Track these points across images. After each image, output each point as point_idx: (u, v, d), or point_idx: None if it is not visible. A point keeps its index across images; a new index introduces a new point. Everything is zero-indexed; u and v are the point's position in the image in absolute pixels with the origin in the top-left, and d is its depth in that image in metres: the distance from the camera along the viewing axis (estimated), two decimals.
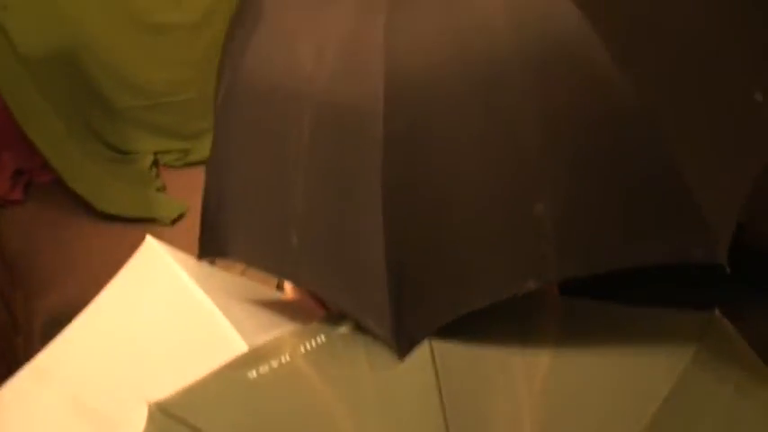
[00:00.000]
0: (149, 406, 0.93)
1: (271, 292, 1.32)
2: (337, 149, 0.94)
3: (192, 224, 2.74)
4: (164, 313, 1.17)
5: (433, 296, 0.91)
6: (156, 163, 3.03)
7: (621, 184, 0.86)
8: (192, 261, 1.25)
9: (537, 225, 0.86)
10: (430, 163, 0.90)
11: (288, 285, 1.30)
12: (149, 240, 1.31)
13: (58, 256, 2.67)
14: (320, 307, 1.19)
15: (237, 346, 1.02)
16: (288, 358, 0.96)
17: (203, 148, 3.05)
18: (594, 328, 0.98)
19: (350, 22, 0.97)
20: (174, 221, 2.78)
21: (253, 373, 0.95)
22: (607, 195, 0.86)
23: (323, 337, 0.99)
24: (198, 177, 3.01)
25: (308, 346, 0.98)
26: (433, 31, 0.93)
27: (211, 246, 1.14)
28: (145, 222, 2.76)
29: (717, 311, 0.96)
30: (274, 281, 1.36)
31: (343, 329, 0.99)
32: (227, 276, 1.29)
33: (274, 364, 0.96)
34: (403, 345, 0.91)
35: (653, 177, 0.86)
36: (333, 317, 1.02)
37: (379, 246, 0.90)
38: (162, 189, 2.92)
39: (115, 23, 2.79)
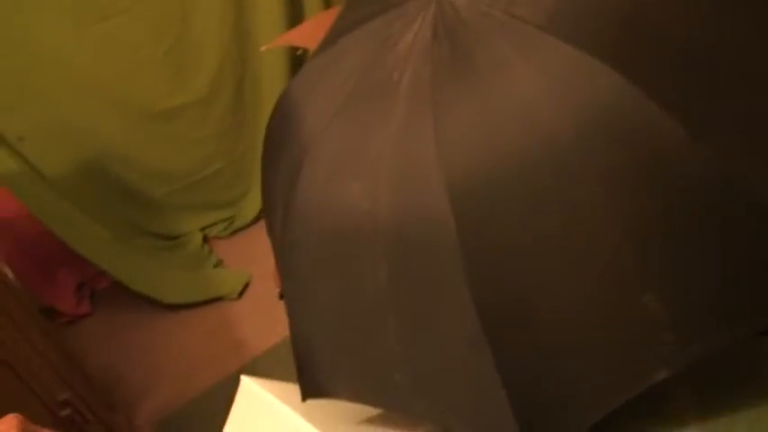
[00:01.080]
0: None
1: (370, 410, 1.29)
2: (418, 281, 0.91)
3: (259, 292, 2.75)
4: None
5: (561, 407, 0.87)
6: (205, 239, 3.02)
7: (725, 251, 0.81)
8: (290, 388, 1.22)
9: (650, 315, 0.81)
10: (515, 270, 0.86)
11: None
12: (245, 382, 1.28)
13: (141, 360, 2.67)
14: None
15: None
16: None
17: (246, 212, 3.04)
18: None
19: (396, 145, 0.93)
20: (242, 293, 2.77)
21: None
22: (713, 265, 0.81)
23: None
24: (249, 241, 3.01)
25: None
26: (482, 135, 0.89)
27: (311, 388, 1.11)
28: (214, 302, 2.77)
29: None
30: None
31: None
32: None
33: None
34: None
35: (753, 236, 0.81)
36: None
37: (487, 368, 0.86)
38: (219, 264, 2.91)
39: (127, 121, 2.77)
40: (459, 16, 0.95)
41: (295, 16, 2.81)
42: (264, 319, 2.64)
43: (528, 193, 0.85)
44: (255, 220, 3.07)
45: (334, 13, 2.47)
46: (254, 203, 3.05)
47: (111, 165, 2.84)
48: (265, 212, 1.24)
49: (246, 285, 2.80)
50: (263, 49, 2.39)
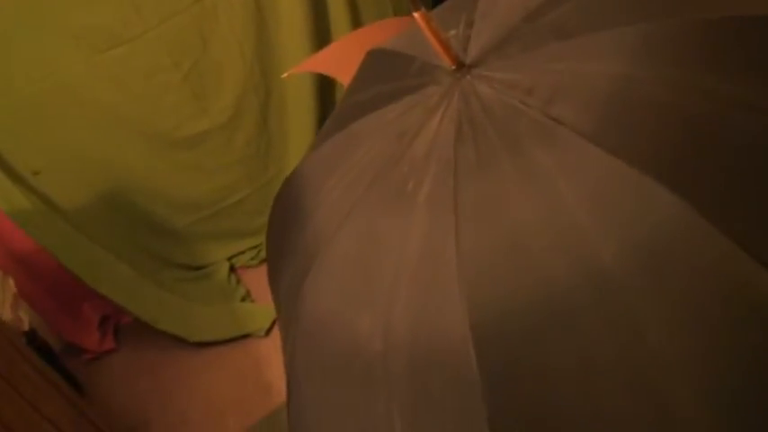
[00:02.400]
0: None
1: None
2: (438, 418, 0.74)
3: None
4: None
5: None
6: (233, 269, 2.89)
7: None
8: None
9: None
10: (539, 404, 0.69)
11: None
12: None
13: (167, 403, 2.56)
14: None
15: None
16: None
17: None
18: None
19: (413, 270, 0.77)
20: (269, 331, 2.63)
21: None
22: None
23: None
24: None
25: None
26: (508, 253, 0.71)
27: None
28: (242, 339, 2.64)
29: None
30: None
31: None
32: None
33: None
34: None
35: None
36: None
37: None
38: (247, 296, 2.76)
39: (147, 150, 2.62)
40: (487, 112, 0.77)
41: (321, 34, 2.64)
42: None
43: (553, 319, 0.68)
44: None
45: (361, 35, 2.31)
46: None
47: (132, 196, 2.70)
48: (275, 302, 1.08)
49: (274, 322, 2.67)
50: (284, 76, 2.23)
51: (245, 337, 2.62)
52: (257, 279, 2.88)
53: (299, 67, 2.21)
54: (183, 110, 2.59)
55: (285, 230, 0.98)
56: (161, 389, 2.63)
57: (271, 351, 2.60)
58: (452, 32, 0.90)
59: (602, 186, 0.68)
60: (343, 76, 2.13)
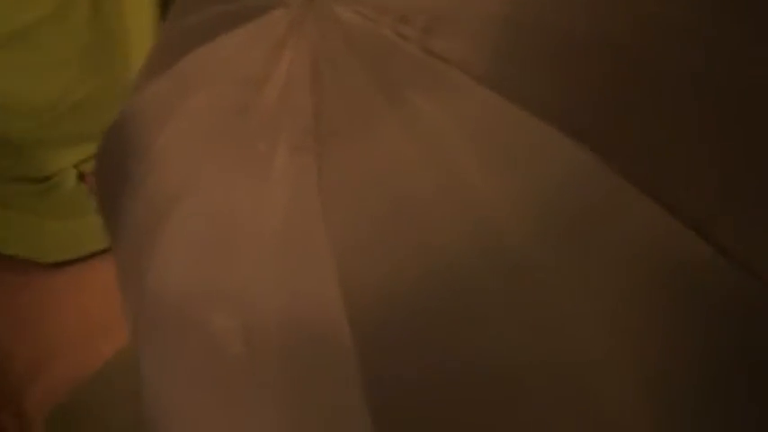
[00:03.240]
0: None
1: None
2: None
3: None
4: None
5: None
6: (82, 177, 2.63)
7: None
8: None
9: None
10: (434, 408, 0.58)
11: None
12: None
13: (28, 332, 2.37)
14: None
15: None
16: None
17: None
18: None
19: (272, 241, 0.62)
20: None
21: None
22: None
23: None
24: None
25: None
26: (390, 228, 0.57)
27: None
28: (105, 254, 2.44)
29: None
30: None
31: None
32: None
33: None
34: None
35: None
36: None
37: None
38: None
39: None
40: (352, 47, 0.60)
41: None
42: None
43: (465, 317, 0.56)
44: None
45: None
46: None
47: None
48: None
49: None
50: None
51: (107, 251, 2.43)
52: None
53: None
54: (2, 3, 2.25)
55: (114, 196, 0.79)
56: (21, 317, 2.43)
57: None
58: None
59: (501, 141, 0.54)
60: None
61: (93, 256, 2.44)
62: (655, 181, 0.51)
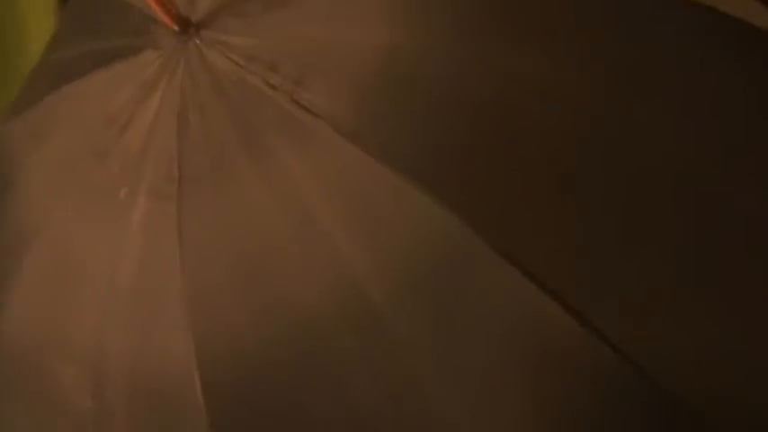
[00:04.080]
0: None
1: None
2: None
3: None
4: None
5: None
6: None
7: None
8: None
9: None
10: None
11: None
12: None
13: None
14: None
15: None
16: None
17: None
18: None
19: (125, 292, 0.59)
20: None
21: None
22: None
23: None
24: None
25: None
26: (246, 283, 0.56)
27: None
28: None
29: None
30: None
31: None
32: None
33: None
34: None
35: None
36: None
37: None
38: None
39: None
40: (220, 94, 0.59)
41: None
42: None
43: (318, 373, 0.55)
44: None
45: None
46: None
47: None
48: None
49: None
50: None
51: None
52: None
53: None
54: None
55: None
56: None
57: None
58: None
59: (362, 198, 0.54)
60: None
61: None
62: (511, 243, 0.51)
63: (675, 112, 0.56)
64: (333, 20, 0.59)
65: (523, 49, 0.57)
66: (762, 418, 0.51)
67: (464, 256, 0.51)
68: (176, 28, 0.62)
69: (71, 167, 0.63)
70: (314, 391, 0.53)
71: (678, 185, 0.54)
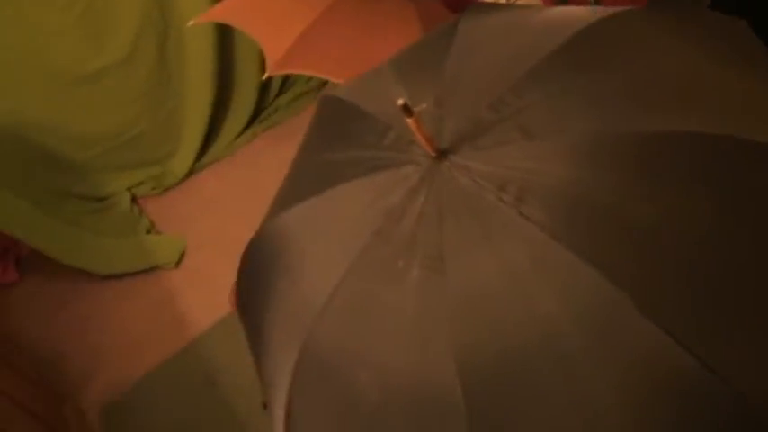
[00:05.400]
0: None
1: None
2: None
3: (196, 260, 2.68)
4: None
5: None
6: (134, 200, 2.91)
7: None
8: None
9: None
10: None
11: None
12: None
13: (80, 337, 2.61)
14: None
15: None
16: None
17: (176, 169, 2.93)
18: None
19: (407, 349, 0.92)
20: (178, 263, 2.72)
21: None
22: None
23: None
24: (180, 202, 2.91)
25: None
26: (489, 327, 0.88)
27: None
28: (151, 272, 2.70)
29: None
30: None
31: None
32: None
33: None
34: None
35: None
36: None
37: None
38: (152, 228, 2.81)
39: (45, 85, 2.55)
40: (466, 202, 0.91)
41: None
42: (206, 289, 2.60)
43: (528, 384, 0.87)
44: (186, 178, 2.98)
45: None
46: (182, 161, 2.93)
47: (29, 131, 2.63)
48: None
49: (183, 254, 2.74)
50: (190, 24, 2.21)
51: (155, 269, 2.70)
52: (160, 209, 2.92)
53: (204, 16, 2.20)
54: (81, 47, 2.53)
55: (266, 286, 1.08)
56: (73, 322, 2.67)
57: (182, 283, 2.70)
58: (423, 106, 1.01)
59: (563, 279, 0.85)
60: (247, 27, 2.15)
61: (142, 272, 2.72)
62: (662, 316, 0.81)
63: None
64: (539, 157, 0.90)
65: (662, 185, 0.87)
66: None
67: (629, 326, 0.82)
68: (434, 154, 0.94)
69: (359, 244, 0.96)
70: (542, 392, 0.85)
71: None
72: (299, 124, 3.09)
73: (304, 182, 1.12)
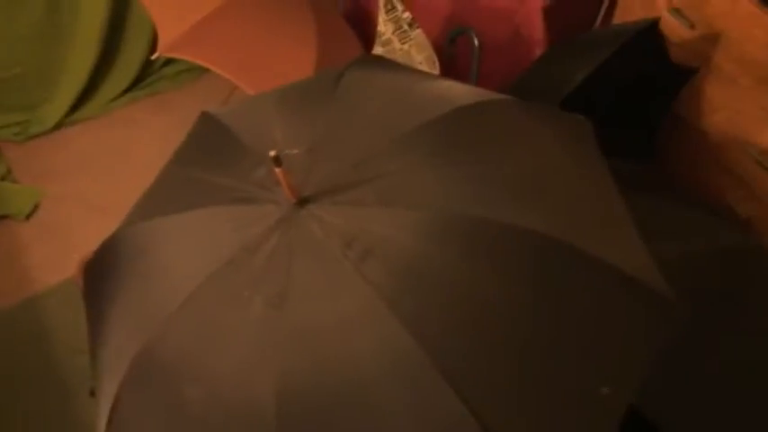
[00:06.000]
0: None
1: None
2: None
3: (52, 215, 2.63)
4: None
5: None
6: None
7: None
8: None
9: None
10: None
11: None
12: None
13: None
14: None
15: None
16: None
17: (45, 118, 2.86)
18: None
19: (240, 350, 1.00)
20: (30, 215, 2.66)
21: None
22: None
23: None
24: (45, 153, 2.84)
25: None
26: (314, 360, 0.99)
27: None
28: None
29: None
30: None
31: None
32: None
33: None
34: None
35: None
36: None
37: None
38: (8, 175, 2.73)
39: None
40: (315, 251, 0.99)
41: None
42: (58, 246, 2.57)
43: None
44: (56, 131, 2.91)
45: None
46: (54, 111, 2.86)
47: None
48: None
49: (36, 206, 2.68)
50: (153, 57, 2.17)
51: (5, 218, 2.63)
52: (22, 158, 2.83)
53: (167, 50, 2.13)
54: None
55: (117, 283, 1.14)
56: None
57: (34, 236, 2.63)
58: (295, 151, 1.10)
59: (382, 338, 0.94)
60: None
61: None
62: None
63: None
64: (389, 224, 1.01)
65: (507, 278, 1.00)
66: None
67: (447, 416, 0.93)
68: (294, 200, 1.03)
69: (208, 268, 1.04)
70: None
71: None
72: (180, 98, 3.09)
73: (171, 195, 1.19)
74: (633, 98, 1.83)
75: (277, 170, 0.99)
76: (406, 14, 2.21)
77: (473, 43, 2.31)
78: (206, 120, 1.29)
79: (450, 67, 2.37)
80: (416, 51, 2.25)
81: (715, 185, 1.93)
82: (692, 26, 1.84)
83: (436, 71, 2.22)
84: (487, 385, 0.97)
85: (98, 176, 2.78)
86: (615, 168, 1.35)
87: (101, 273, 1.20)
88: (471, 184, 1.06)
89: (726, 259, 1.55)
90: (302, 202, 1.04)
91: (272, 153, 0.97)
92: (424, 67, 2.22)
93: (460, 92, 1.24)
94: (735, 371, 1.37)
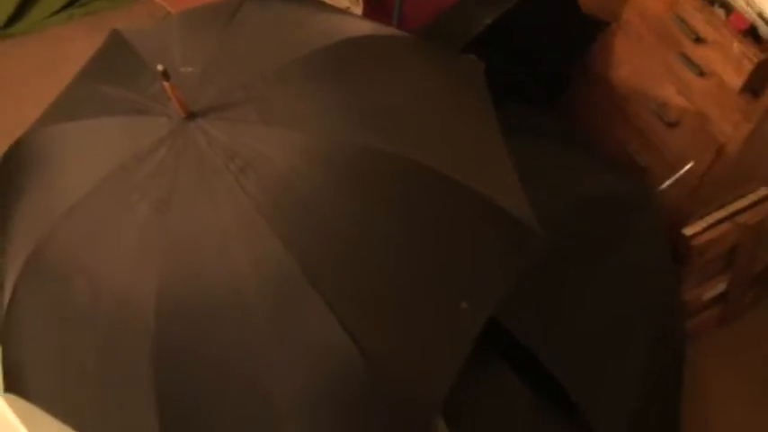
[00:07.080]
0: None
1: None
2: (117, 375, 1.12)
3: None
4: None
5: None
6: None
7: None
8: None
9: None
10: (198, 380, 1.11)
11: None
12: None
13: None
14: None
15: None
16: None
17: None
18: None
19: (127, 249, 1.10)
20: None
21: None
22: None
23: None
24: None
25: None
26: (192, 257, 1.08)
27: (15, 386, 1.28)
28: None
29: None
30: None
31: None
32: None
33: None
34: None
35: None
36: None
37: None
38: None
39: None
40: (199, 161, 1.06)
41: None
42: None
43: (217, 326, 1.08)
44: None
45: None
46: None
47: None
48: None
49: None
50: None
51: None
52: None
53: None
54: None
55: (19, 189, 1.22)
56: None
57: None
58: (190, 69, 1.18)
59: (258, 248, 1.05)
60: None
61: None
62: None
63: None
64: (270, 143, 1.10)
65: (374, 205, 1.11)
66: None
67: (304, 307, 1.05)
68: (183, 114, 1.11)
69: (101, 169, 1.11)
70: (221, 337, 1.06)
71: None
72: (116, 19, 3.08)
73: (73, 105, 1.26)
74: (543, 46, 1.93)
75: (165, 84, 1.06)
76: None
77: None
78: (114, 37, 1.35)
79: (378, 7, 2.43)
80: None
81: (618, 136, 2.04)
82: None
83: (359, 10, 2.28)
84: (360, 304, 1.08)
85: (24, 92, 2.79)
86: (510, 112, 1.46)
87: (6, 176, 1.28)
88: (349, 109, 1.15)
89: (609, 206, 1.68)
90: (191, 116, 1.12)
91: (161, 67, 1.05)
92: (347, 3, 2.28)
93: (355, 26, 1.32)
94: (598, 302, 1.52)
